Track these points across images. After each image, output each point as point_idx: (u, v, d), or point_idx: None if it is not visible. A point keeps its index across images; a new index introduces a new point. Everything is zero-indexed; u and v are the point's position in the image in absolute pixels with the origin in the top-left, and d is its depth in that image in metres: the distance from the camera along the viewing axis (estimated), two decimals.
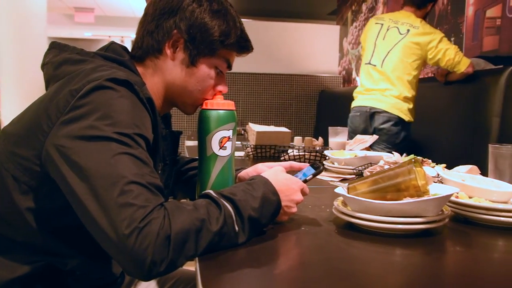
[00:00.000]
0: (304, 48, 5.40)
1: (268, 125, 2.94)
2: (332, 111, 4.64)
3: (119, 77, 0.86)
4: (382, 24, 2.91)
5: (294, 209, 0.98)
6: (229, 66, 1.10)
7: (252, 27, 5.25)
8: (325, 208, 1.15)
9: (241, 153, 2.25)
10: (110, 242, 0.76)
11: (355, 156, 1.73)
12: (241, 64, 5.08)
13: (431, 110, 3.01)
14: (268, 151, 2.09)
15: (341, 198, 1.04)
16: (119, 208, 0.75)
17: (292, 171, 1.09)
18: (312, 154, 1.91)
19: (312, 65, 5.41)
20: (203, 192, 0.90)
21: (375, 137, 2.09)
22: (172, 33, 1.02)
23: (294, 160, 1.91)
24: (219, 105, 1.04)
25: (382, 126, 2.79)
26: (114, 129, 0.81)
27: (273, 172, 0.99)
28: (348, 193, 0.98)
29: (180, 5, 1.01)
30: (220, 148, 1.03)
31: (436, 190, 0.99)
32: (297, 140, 2.27)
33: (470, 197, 1.10)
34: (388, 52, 2.82)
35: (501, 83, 2.39)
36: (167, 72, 1.04)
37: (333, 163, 1.73)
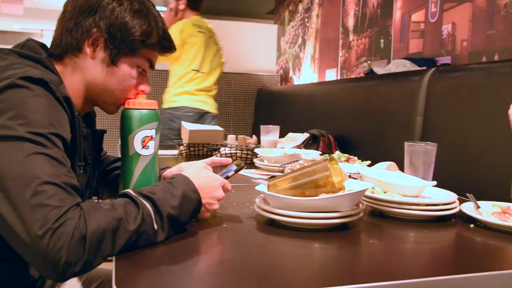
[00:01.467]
0: (242, 46, 5.44)
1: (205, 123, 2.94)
2: (270, 110, 4.71)
3: (33, 75, 0.84)
4: (204, 33, 3.40)
5: (216, 206, 1.00)
6: (152, 66, 1.10)
7: None
8: (249, 205, 1.18)
9: (175, 152, 2.24)
10: (23, 244, 0.74)
11: (285, 154, 1.78)
12: None
13: (362, 109, 3.12)
14: (201, 150, 2.10)
15: (263, 195, 1.07)
16: (32, 209, 0.74)
17: (218, 169, 1.10)
18: (243, 152, 1.94)
19: (250, 64, 5.46)
20: (122, 191, 0.90)
21: (306, 135, 2.15)
22: (91, 32, 1.00)
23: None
24: (141, 104, 1.04)
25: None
26: (28, 129, 0.79)
27: (193, 170, 1.00)
28: (269, 190, 1.01)
29: (100, 3, 1.00)
30: (143, 148, 1.04)
31: (352, 186, 1.04)
32: (231, 138, 2.29)
33: (385, 192, 1.16)
34: (212, 61, 3.38)
35: (424, 84, 2.52)
36: (87, 70, 1.03)
37: (263, 161, 1.77)
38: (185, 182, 0.93)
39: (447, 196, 1.16)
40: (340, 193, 0.95)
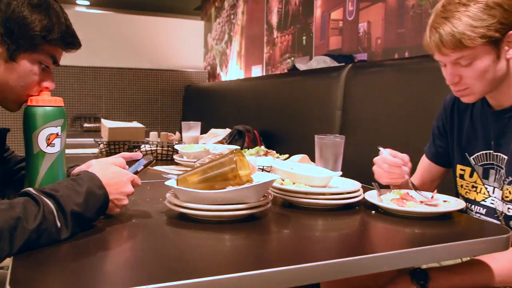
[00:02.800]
0: (169, 42, 5.39)
1: (131, 121, 2.90)
2: (198, 106, 4.71)
3: None
4: None
5: (125, 201, 1.00)
6: (55, 62, 1.07)
7: (115, 20, 5.09)
8: (162, 200, 1.18)
9: (95, 150, 2.19)
10: None
11: (204, 149, 1.79)
12: (104, 58, 4.92)
13: (286, 105, 3.20)
14: (122, 148, 2.07)
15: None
16: None
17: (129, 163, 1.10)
18: (164, 149, 1.93)
19: (178, 60, 5.43)
20: (22, 190, 0.87)
21: (227, 130, 2.18)
22: None
23: (146, 155, 1.92)
24: (45, 101, 1.02)
25: None
26: None
27: (100, 166, 1.00)
28: (179, 185, 1.02)
29: None
30: (48, 145, 1.01)
31: (259, 178, 1.08)
32: (153, 135, 2.28)
33: (294, 184, 1.21)
34: None
35: (342, 80, 2.62)
36: None
37: (182, 157, 1.78)
38: (91, 178, 0.92)
39: (352, 185, 1.23)
40: (246, 185, 0.98)
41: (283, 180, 1.20)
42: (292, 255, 0.87)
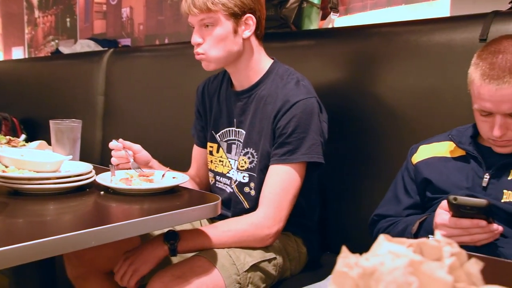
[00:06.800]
0: None
1: None
2: None
3: None
4: None
5: None
6: None
7: None
8: None
9: None
10: None
11: None
12: None
13: (49, 90, 3.03)
14: None
15: None
16: None
17: None
18: None
19: None
20: None
21: None
22: None
23: None
24: None
25: None
26: None
27: None
28: None
29: None
30: None
31: None
32: None
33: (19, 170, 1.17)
34: None
35: (103, 65, 2.61)
36: None
37: None
38: None
39: (84, 168, 1.25)
40: None
41: (7, 167, 1.16)
42: (21, 236, 0.86)
